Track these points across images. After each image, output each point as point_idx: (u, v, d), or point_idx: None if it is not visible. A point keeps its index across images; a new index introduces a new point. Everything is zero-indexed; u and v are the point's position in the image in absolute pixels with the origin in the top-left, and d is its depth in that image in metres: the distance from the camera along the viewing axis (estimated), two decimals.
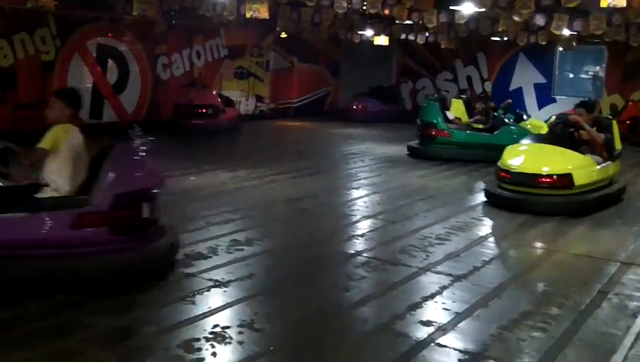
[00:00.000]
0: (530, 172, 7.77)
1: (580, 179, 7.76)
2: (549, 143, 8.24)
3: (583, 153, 8.09)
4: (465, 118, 13.03)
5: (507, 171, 7.97)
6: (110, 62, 14.87)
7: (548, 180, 7.73)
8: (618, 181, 8.87)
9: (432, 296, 4.91)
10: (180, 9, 11.64)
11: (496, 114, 12.74)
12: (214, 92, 15.68)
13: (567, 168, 7.77)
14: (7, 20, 12.70)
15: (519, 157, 8.11)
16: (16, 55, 13.01)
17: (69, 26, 13.87)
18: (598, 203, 8.01)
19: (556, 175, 7.72)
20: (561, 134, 8.20)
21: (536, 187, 7.78)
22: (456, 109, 13.20)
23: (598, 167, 8.06)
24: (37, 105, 13.38)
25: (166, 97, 15.55)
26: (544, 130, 12.70)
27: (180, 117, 14.72)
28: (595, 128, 8.38)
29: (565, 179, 7.72)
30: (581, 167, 7.86)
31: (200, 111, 14.60)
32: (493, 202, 8.20)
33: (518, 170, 7.84)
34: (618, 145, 8.70)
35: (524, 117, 13.06)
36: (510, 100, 14.40)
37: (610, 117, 9.57)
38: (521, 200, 7.80)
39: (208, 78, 16.99)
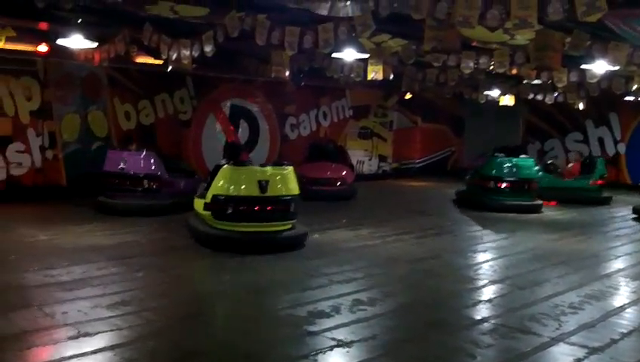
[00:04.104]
0: None
1: None
2: None
3: None
4: None
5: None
6: (242, 121, 15.59)
7: None
8: None
9: None
10: (309, 70, 12.03)
11: None
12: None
13: None
14: (152, 82, 13.68)
15: None
16: (157, 114, 13.95)
17: (205, 87, 14.73)
18: None
19: None
20: None
21: None
22: None
23: None
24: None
25: (292, 156, 15.97)
26: None
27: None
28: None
29: None
30: None
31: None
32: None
33: None
34: None
35: None
36: None
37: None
38: None
39: (333, 137, 17.34)
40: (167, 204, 10.81)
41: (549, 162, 15.97)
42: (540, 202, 13.33)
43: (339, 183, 13.86)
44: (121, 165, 10.72)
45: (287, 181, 8.43)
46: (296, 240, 8.54)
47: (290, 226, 8.54)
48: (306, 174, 13.55)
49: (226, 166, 8.42)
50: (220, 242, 8.17)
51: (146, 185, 10.76)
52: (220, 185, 8.24)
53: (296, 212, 8.54)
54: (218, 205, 8.16)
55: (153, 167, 10.89)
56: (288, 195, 8.37)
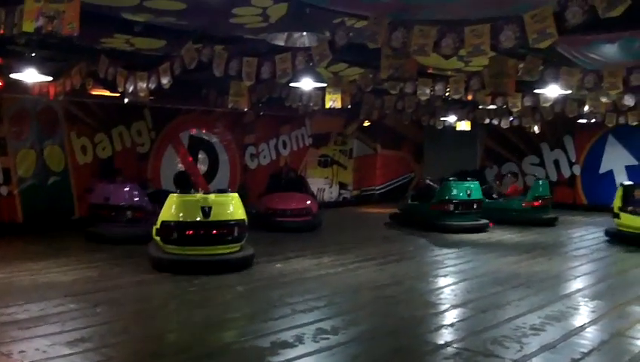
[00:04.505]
0: None
1: None
2: None
3: None
4: None
5: None
6: (201, 152, 15.51)
7: None
8: None
9: None
10: (268, 100, 12.06)
11: None
12: None
13: None
14: (109, 115, 13.53)
15: None
16: (114, 147, 13.77)
17: (163, 119, 14.62)
18: None
19: None
20: None
21: None
22: None
23: None
24: None
25: (253, 186, 15.92)
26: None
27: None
28: None
29: None
30: None
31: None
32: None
33: None
34: None
35: None
36: None
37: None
38: None
39: (294, 166, 17.33)
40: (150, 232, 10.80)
41: (485, 186, 16.21)
42: (485, 221, 13.95)
43: (304, 214, 13.75)
44: (107, 196, 11.40)
45: (230, 207, 9.06)
46: (241, 262, 9.05)
47: (236, 249, 9.12)
48: (270, 205, 13.46)
49: (172, 194, 9.12)
50: (169, 265, 8.80)
51: (130, 216, 11.30)
52: (167, 212, 8.89)
53: (242, 236, 9.08)
54: (166, 230, 8.82)
55: (136, 198, 11.46)
56: (232, 220, 8.97)
